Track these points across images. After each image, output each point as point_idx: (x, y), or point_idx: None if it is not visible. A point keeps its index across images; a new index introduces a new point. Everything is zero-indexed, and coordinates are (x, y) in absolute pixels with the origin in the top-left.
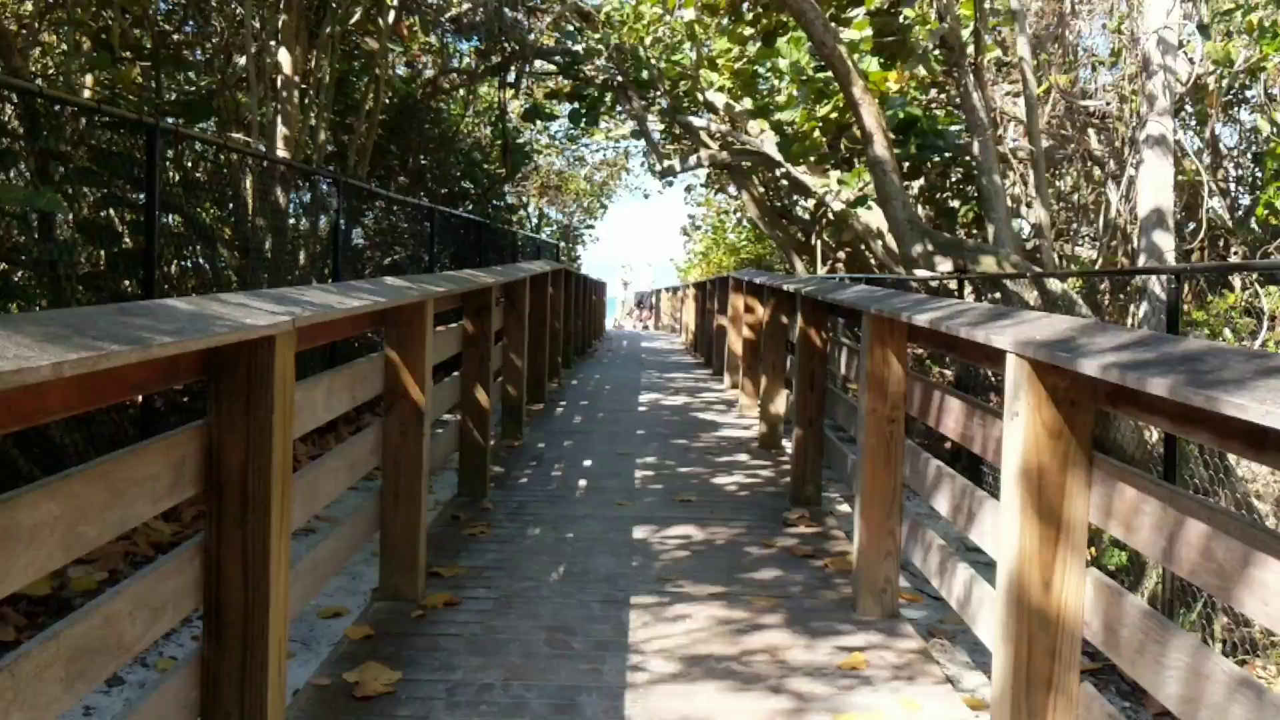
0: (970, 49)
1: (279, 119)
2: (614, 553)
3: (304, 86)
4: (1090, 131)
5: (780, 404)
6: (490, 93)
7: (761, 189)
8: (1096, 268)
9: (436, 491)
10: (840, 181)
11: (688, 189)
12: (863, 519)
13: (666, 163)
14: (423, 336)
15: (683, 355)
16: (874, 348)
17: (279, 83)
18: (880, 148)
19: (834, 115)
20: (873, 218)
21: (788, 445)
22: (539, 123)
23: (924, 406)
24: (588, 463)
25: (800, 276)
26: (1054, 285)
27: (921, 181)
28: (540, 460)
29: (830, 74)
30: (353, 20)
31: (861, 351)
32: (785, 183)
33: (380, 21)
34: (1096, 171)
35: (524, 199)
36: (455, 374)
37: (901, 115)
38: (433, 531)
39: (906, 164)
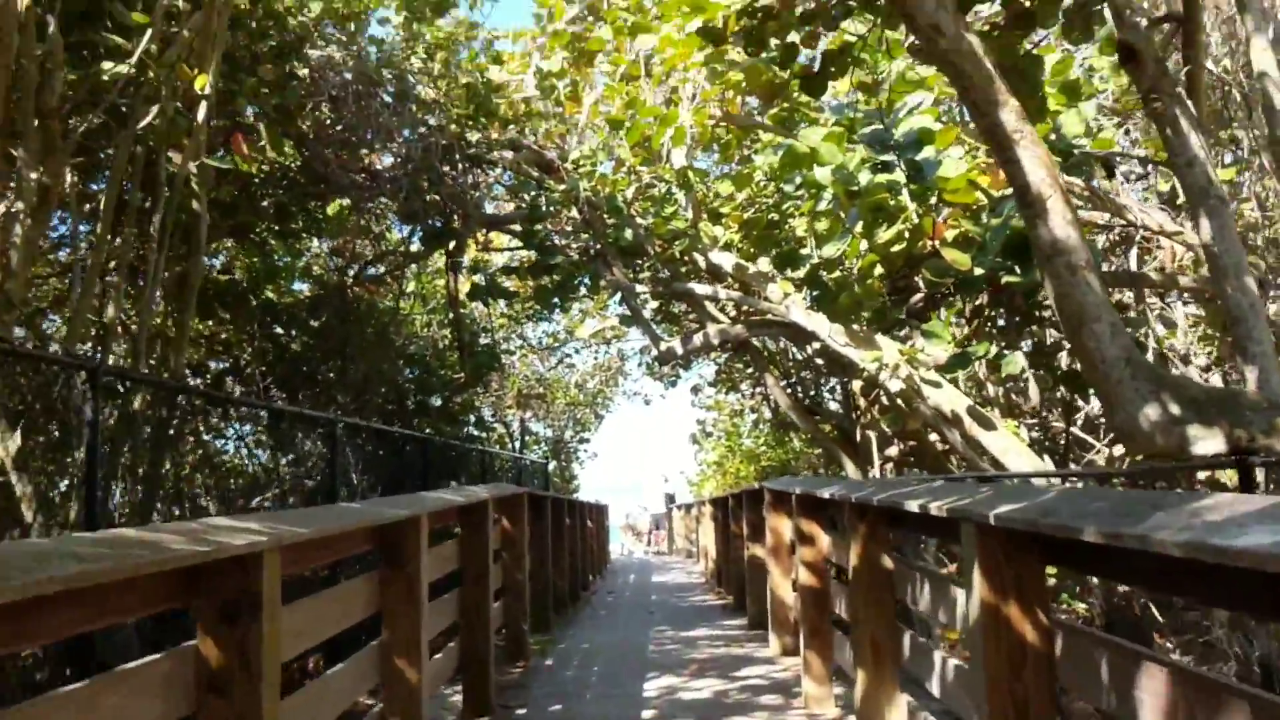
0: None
1: None
2: None
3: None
4: None
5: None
6: (440, 280)
7: (783, 379)
8: None
9: None
10: (926, 334)
11: (694, 389)
12: None
13: (665, 345)
14: None
15: (704, 594)
16: None
17: None
18: (1060, 222)
19: (900, 245)
20: (944, 396)
21: None
22: (493, 305)
23: None
24: None
25: (904, 482)
26: None
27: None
28: None
29: (891, 178)
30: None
31: None
32: (819, 362)
33: (191, 130)
34: None
35: (502, 413)
36: None
37: (1012, 227)
38: None
39: (1021, 297)
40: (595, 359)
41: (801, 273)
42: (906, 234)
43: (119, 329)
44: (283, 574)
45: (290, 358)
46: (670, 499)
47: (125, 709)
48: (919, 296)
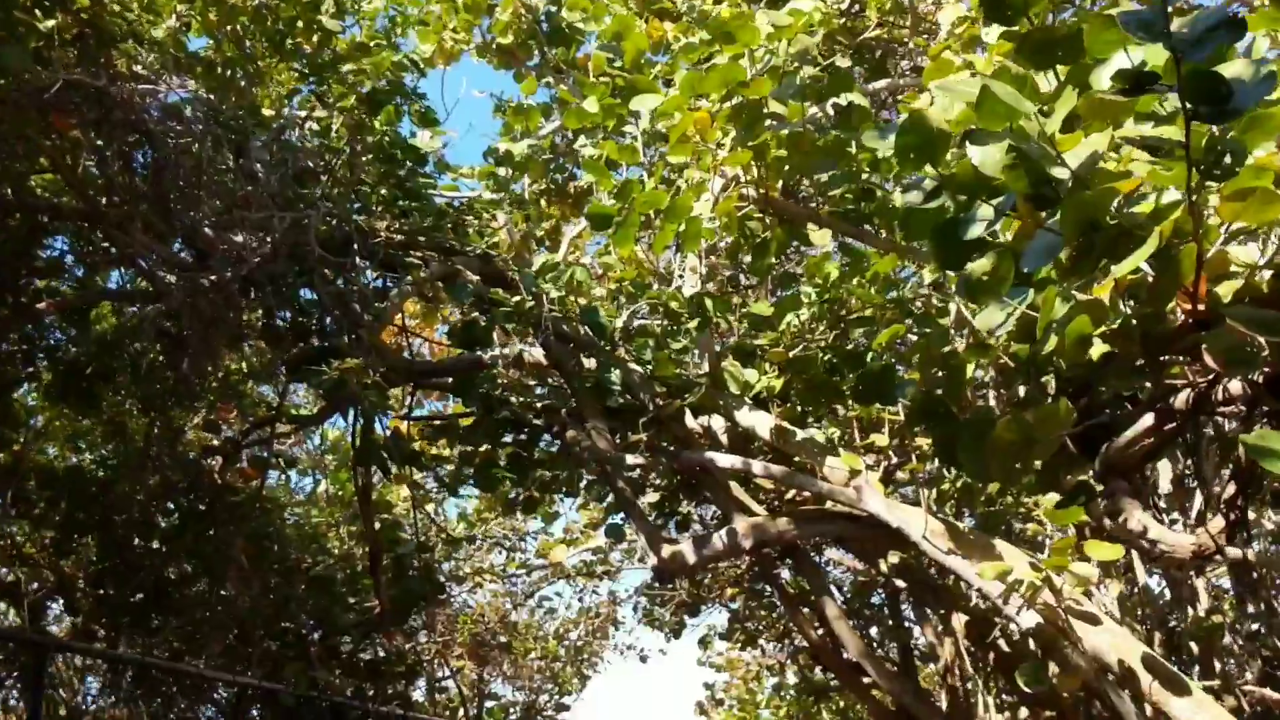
0: None
1: None
2: None
3: None
4: None
5: None
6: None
7: (818, 626)
8: None
9: None
10: (1263, 451)
11: (702, 643)
12: None
13: (670, 549)
14: None
15: None
16: None
17: None
18: None
19: (1109, 322)
20: (1107, 639)
21: None
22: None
23: None
24: None
25: None
26: None
27: None
28: None
29: (1150, 131)
30: None
31: None
32: (899, 585)
33: None
34: None
35: (447, 664)
36: None
37: None
38: None
39: None
40: (580, 601)
41: (902, 405)
42: (1150, 275)
43: None
44: None
45: (145, 574)
46: None
47: None
48: (1142, 429)
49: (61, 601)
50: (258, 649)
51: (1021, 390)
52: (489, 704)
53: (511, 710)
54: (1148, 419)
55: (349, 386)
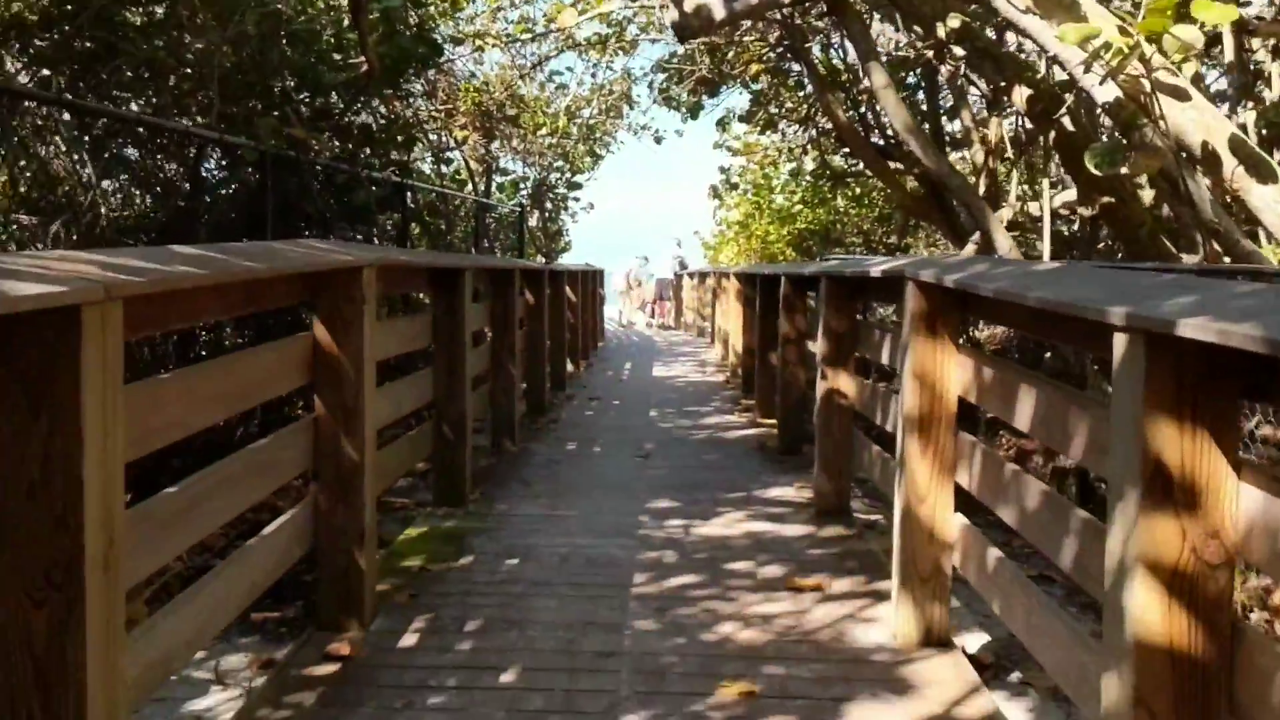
0: None
1: None
2: None
3: None
4: None
5: None
6: None
7: (849, 108)
8: None
9: None
10: None
11: (720, 124)
12: None
13: (695, 1)
14: None
15: (727, 408)
16: None
17: None
18: None
19: None
20: (1193, 118)
21: None
22: None
23: None
24: None
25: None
26: None
27: None
28: None
29: None
30: None
31: None
32: (958, 53)
33: None
34: None
35: (450, 135)
36: None
37: None
38: None
39: None
40: (592, 77)
41: None
42: None
43: None
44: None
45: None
46: (682, 265)
47: None
48: None
49: (17, 47)
50: (217, 103)
51: None
52: (498, 179)
53: (522, 185)
54: None
55: None
